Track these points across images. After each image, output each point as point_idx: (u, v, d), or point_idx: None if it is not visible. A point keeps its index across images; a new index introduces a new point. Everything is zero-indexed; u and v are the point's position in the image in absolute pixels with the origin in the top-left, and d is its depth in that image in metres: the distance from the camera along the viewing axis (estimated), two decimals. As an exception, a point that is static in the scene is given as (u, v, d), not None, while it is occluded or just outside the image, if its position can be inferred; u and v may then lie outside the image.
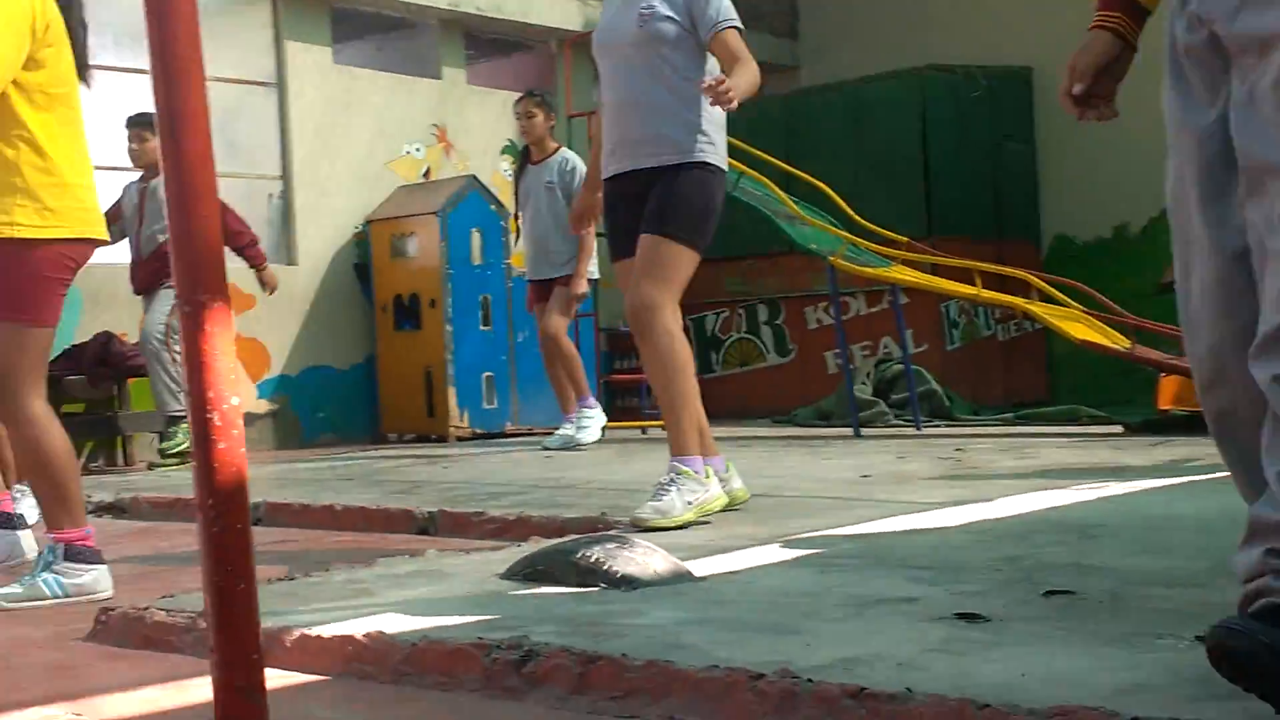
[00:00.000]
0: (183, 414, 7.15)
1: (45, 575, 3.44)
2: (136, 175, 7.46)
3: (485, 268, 9.04)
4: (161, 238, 7.03)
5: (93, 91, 3.72)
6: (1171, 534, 3.38)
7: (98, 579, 3.48)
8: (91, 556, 3.50)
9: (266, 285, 7.59)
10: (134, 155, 7.32)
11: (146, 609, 2.85)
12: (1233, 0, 1.81)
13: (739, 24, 4.12)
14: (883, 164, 9.93)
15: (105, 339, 7.77)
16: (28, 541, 4.17)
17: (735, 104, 3.86)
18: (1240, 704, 1.74)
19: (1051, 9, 9.98)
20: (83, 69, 3.63)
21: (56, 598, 3.41)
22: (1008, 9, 10.36)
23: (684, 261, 4.10)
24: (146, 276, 7.32)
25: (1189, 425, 6.30)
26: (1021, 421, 8.25)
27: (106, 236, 3.63)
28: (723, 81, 3.83)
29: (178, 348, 6.93)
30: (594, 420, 7.49)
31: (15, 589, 3.43)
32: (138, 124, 7.18)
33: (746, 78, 3.99)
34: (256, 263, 7.48)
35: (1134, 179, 9.04)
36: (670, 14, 4.08)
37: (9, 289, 3.40)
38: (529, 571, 3.08)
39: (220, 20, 8.63)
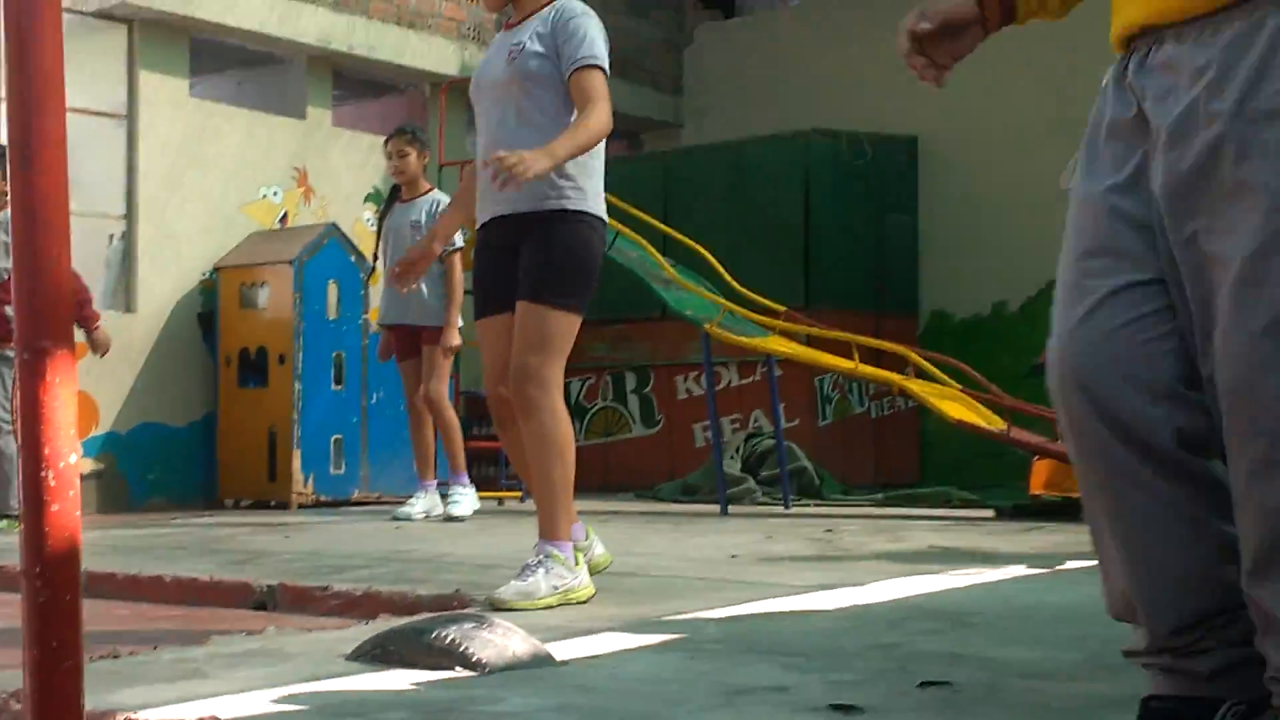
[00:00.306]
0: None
1: None
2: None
3: (341, 322, 8.94)
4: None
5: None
6: (1044, 624, 3.43)
7: None
8: None
9: (98, 347, 7.33)
10: None
11: (-45, 688, 2.76)
12: (1165, 80, 1.88)
13: (603, 64, 4.04)
14: (763, 229, 10.02)
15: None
16: None
17: (518, 181, 3.70)
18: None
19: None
20: None
21: None
22: (895, 76, 10.40)
23: (566, 328, 4.03)
24: None
25: (1061, 511, 6.45)
26: (892, 503, 8.35)
27: None
28: (504, 158, 3.67)
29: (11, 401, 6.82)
30: (467, 498, 7.37)
31: None
32: None
33: (573, 135, 3.90)
34: (89, 324, 7.24)
35: (1015, 257, 9.27)
36: (540, 49, 4.02)
37: None
38: (378, 652, 3.02)
39: (70, 44, 8.45)
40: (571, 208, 4.02)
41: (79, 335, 7.06)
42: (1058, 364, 1.99)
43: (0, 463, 6.93)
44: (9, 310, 6.45)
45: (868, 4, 11.17)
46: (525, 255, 4.04)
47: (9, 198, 1.89)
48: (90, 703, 2.31)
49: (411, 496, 7.53)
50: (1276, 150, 1.79)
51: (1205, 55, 1.85)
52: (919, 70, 2.20)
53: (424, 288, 7.23)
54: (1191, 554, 1.92)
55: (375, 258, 7.75)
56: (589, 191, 4.08)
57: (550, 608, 3.86)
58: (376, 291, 8.61)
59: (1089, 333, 1.95)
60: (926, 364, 8.24)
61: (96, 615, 4.25)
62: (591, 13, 4.12)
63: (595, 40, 4.04)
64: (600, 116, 3.97)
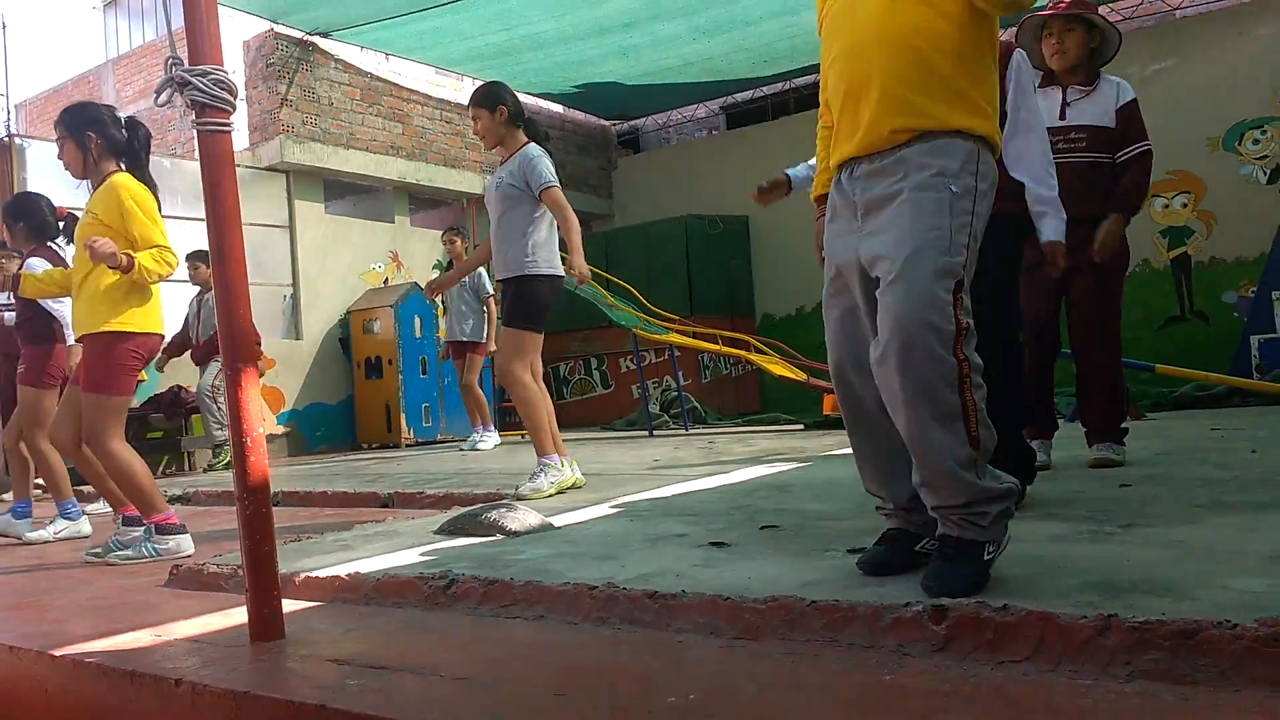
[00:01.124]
0: (225, 440, 6.86)
1: (147, 544, 3.26)
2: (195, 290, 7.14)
3: (423, 340, 8.83)
4: (210, 331, 6.83)
5: (170, 231, 3.56)
6: (833, 489, 3.44)
7: (180, 543, 3.30)
8: (174, 529, 3.31)
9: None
10: (192, 277, 6.96)
11: (204, 564, 2.71)
12: (869, 181, 1.89)
13: (556, 184, 3.99)
14: (663, 273, 10.02)
15: (175, 390, 7.40)
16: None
17: (587, 273, 4.05)
18: (869, 590, 1.80)
19: (760, 180, 10.30)
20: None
21: (154, 558, 3.23)
22: (733, 178, 10.60)
23: (527, 341, 3.98)
24: (201, 355, 7.00)
25: (839, 424, 6.48)
26: (745, 424, 8.38)
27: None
28: (576, 269, 4.02)
29: (222, 399, 6.70)
30: (490, 439, 7.32)
31: (128, 552, 3.24)
32: (194, 257, 6.84)
33: (576, 238, 4.01)
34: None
35: (805, 281, 9.35)
36: (513, 182, 4.00)
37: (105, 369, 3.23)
38: (452, 528, 3.01)
39: (252, 186, 8.32)
40: (533, 272, 3.99)
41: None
42: (831, 357, 2.01)
43: (217, 417, 6.88)
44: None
45: (714, 145, 11.20)
46: (507, 298, 4.04)
47: (213, 281, 1.84)
48: (284, 567, 2.29)
49: (469, 438, 7.47)
50: (926, 202, 1.81)
51: (886, 164, 1.86)
52: (759, 200, 2.39)
53: (469, 321, 7.18)
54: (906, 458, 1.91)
55: (442, 302, 7.67)
56: (542, 260, 4.01)
57: (551, 496, 3.85)
58: (441, 321, 8.56)
59: (836, 334, 1.98)
60: (760, 344, 8.27)
61: (286, 516, 4.26)
62: (543, 153, 4.06)
63: (546, 170, 3.99)
64: (573, 219, 4.00)
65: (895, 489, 1.97)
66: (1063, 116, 3.50)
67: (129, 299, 3.26)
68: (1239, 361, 7.94)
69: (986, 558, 1.78)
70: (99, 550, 3.30)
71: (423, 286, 8.98)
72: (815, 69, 2.17)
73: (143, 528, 3.33)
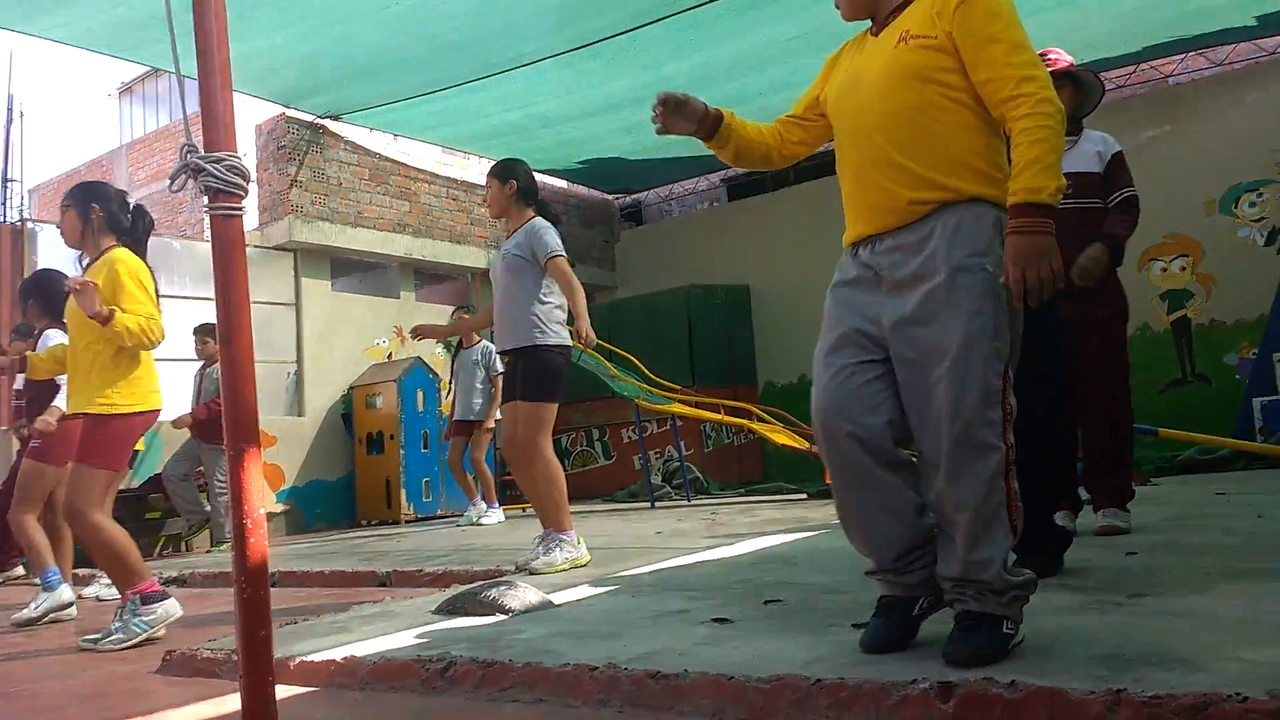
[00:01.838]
0: (205, 519, 6.82)
1: (133, 621, 3.20)
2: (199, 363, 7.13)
3: (425, 414, 8.80)
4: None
5: (175, 311, 3.60)
6: (837, 561, 3.40)
7: (167, 609, 3.24)
8: (158, 596, 3.25)
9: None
10: (199, 351, 6.99)
11: (198, 649, 2.66)
12: (896, 256, 1.89)
13: (562, 253, 4.01)
14: (665, 343, 10.02)
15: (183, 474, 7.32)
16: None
17: (593, 336, 4.00)
18: (875, 667, 1.76)
19: (762, 251, 10.41)
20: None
21: (145, 632, 3.17)
22: (735, 249, 10.70)
23: (546, 412, 3.95)
24: (203, 429, 6.91)
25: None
26: (748, 494, 8.29)
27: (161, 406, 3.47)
28: (582, 333, 3.98)
29: (219, 485, 6.64)
30: (494, 514, 7.29)
31: (118, 635, 3.18)
32: (201, 331, 6.89)
33: (581, 303, 3.99)
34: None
35: (807, 350, 9.33)
36: (520, 254, 4.02)
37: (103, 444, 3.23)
38: (450, 608, 2.95)
39: (260, 265, 8.43)
40: (543, 342, 3.98)
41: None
42: (819, 408, 1.97)
43: (222, 510, 6.73)
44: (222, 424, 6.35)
45: (715, 217, 11.36)
46: (518, 370, 4.00)
47: (219, 360, 1.86)
48: (279, 651, 2.25)
49: (465, 512, 7.42)
50: (968, 286, 1.81)
51: (913, 241, 1.86)
52: (656, 116, 2.09)
53: (478, 400, 7.19)
54: (900, 514, 1.91)
55: (449, 381, 7.65)
56: (552, 331, 4.02)
57: (563, 571, 3.79)
58: (444, 394, 8.59)
59: (830, 388, 1.94)
60: (763, 413, 8.25)
61: (283, 597, 4.19)
62: (549, 225, 4.09)
63: (553, 240, 4.03)
64: (578, 286, 4.02)
65: (882, 548, 1.93)
66: None
67: (128, 375, 3.27)
68: (1242, 424, 7.89)
69: (1005, 631, 1.77)
70: (95, 637, 3.24)
71: (426, 361, 9.06)
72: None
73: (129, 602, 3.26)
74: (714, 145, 2.16)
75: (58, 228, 3.46)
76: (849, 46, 2.07)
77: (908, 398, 1.86)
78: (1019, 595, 1.80)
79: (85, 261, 3.48)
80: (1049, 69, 3.45)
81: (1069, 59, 3.56)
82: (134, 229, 3.47)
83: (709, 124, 2.12)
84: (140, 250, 3.45)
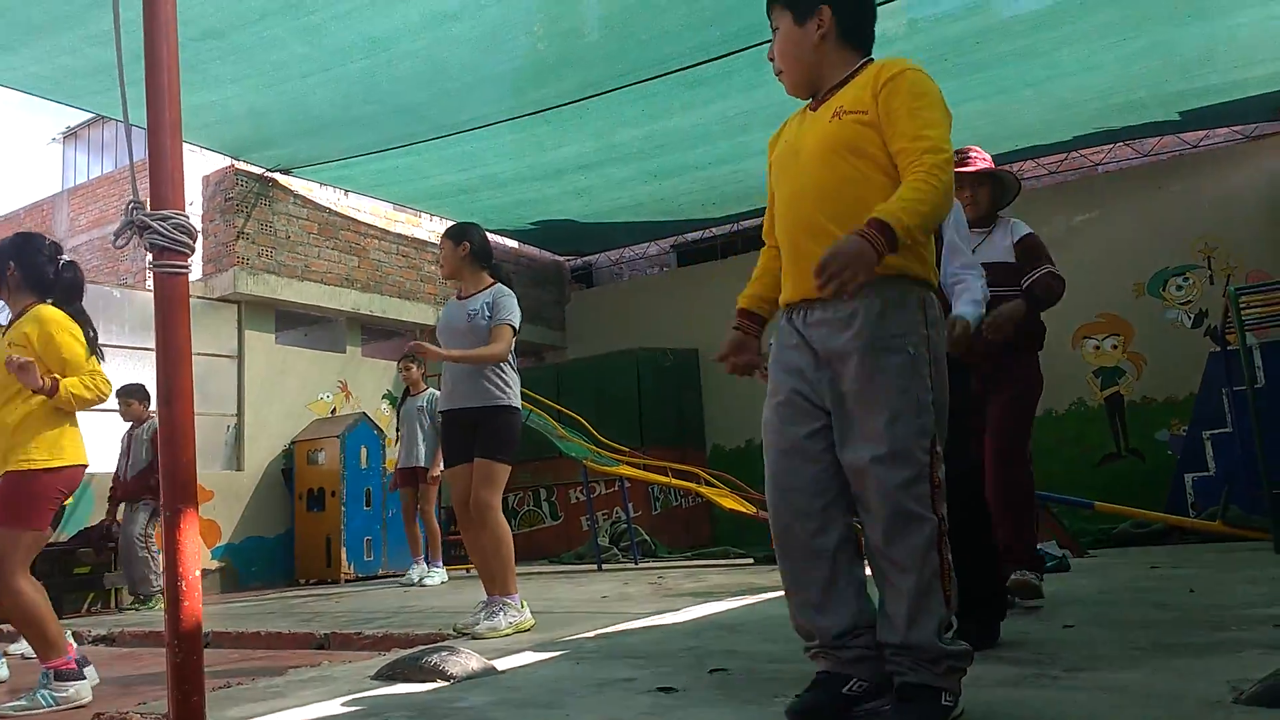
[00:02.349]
0: (155, 590, 6.55)
1: (42, 692, 3.07)
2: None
3: (369, 470, 8.67)
4: (139, 469, 6.58)
5: (114, 361, 3.52)
6: (783, 629, 3.35)
7: (79, 690, 3.12)
8: (73, 675, 3.12)
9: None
10: (123, 414, 6.73)
11: (127, 713, 2.56)
12: (823, 330, 1.94)
13: (514, 324, 4.03)
14: (614, 404, 10.02)
15: (105, 525, 7.08)
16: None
17: (431, 352, 3.84)
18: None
19: (710, 316, 10.55)
20: (95, 349, 3.43)
21: (50, 708, 3.04)
22: (684, 314, 10.81)
23: (503, 474, 3.95)
24: (127, 492, 6.67)
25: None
26: (696, 558, 8.27)
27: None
28: (421, 347, 3.85)
29: (154, 545, 6.41)
30: (438, 574, 7.18)
31: (22, 702, 3.04)
32: (124, 393, 6.64)
33: (476, 358, 3.92)
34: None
35: (755, 414, 9.40)
36: (482, 316, 4.04)
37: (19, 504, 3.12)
38: (390, 673, 2.89)
39: (203, 316, 8.29)
40: (503, 403, 4.00)
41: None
42: (769, 485, 2.01)
43: (151, 566, 6.49)
44: (153, 481, 6.16)
45: (665, 281, 11.51)
46: (479, 430, 3.98)
47: (158, 421, 1.83)
48: (212, 716, 2.17)
49: (414, 569, 7.29)
50: (892, 367, 1.86)
51: (841, 316, 1.93)
52: (739, 372, 2.21)
53: (421, 447, 7.13)
54: (842, 597, 1.93)
55: (397, 430, 7.56)
56: (511, 393, 4.04)
57: (507, 636, 3.73)
58: (390, 450, 8.47)
59: (785, 464, 1.98)
60: (710, 476, 8.28)
61: (216, 658, 4.06)
62: (512, 294, 4.14)
63: (512, 310, 4.07)
64: (493, 351, 3.96)
65: (823, 622, 1.94)
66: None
67: (50, 431, 3.17)
68: (1174, 498, 8.14)
69: (944, 703, 1.79)
70: (11, 704, 3.09)
71: (370, 417, 8.94)
72: (762, 211, 2.28)
73: (41, 673, 3.13)
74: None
75: None
76: (791, 120, 2.16)
77: (846, 466, 1.91)
78: (955, 666, 1.82)
79: (8, 318, 3.39)
80: (967, 169, 3.62)
81: (987, 158, 3.74)
82: (56, 282, 3.38)
83: (759, 327, 2.23)
84: (73, 304, 3.37)
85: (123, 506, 6.70)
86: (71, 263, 3.47)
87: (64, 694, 3.08)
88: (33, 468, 3.12)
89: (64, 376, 3.18)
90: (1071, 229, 8.67)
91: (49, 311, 3.27)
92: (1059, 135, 8.42)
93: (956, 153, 3.59)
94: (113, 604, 7.15)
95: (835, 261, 1.74)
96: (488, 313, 4.04)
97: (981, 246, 3.68)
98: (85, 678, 3.16)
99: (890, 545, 1.83)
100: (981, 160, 3.68)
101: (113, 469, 6.88)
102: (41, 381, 3.10)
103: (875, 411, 1.85)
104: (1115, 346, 8.70)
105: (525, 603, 3.98)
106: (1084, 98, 7.47)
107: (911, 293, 1.91)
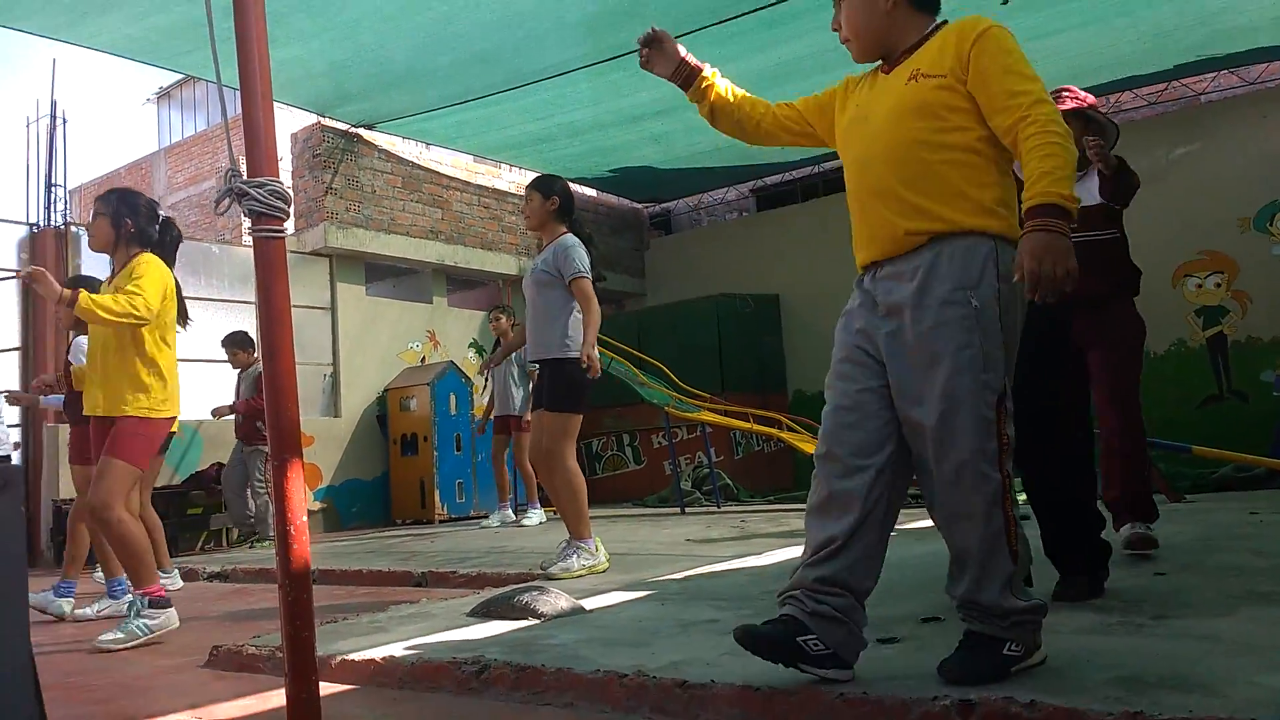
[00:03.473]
0: (254, 528, 6.92)
1: (137, 622, 3.29)
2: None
3: (458, 417, 8.93)
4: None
5: (214, 314, 3.71)
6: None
7: (169, 617, 3.35)
8: (164, 603, 3.36)
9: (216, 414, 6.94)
10: (231, 362, 7.03)
11: (243, 645, 2.76)
12: (889, 284, 1.94)
13: (587, 274, 4.09)
14: (695, 351, 10.05)
15: (217, 467, 7.52)
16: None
17: (596, 364, 3.94)
18: (898, 683, 1.78)
19: (790, 261, 10.41)
20: (183, 316, 3.64)
21: (145, 636, 3.26)
22: (764, 258, 10.73)
23: (570, 424, 4.04)
24: (242, 433, 6.97)
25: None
26: (778, 502, 8.29)
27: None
28: (583, 358, 3.92)
29: (260, 484, 6.76)
30: (536, 514, 7.35)
31: (118, 634, 3.26)
32: (229, 343, 6.95)
33: (593, 327, 4.01)
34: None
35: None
36: (547, 270, 4.11)
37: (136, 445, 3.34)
38: (485, 610, 3.03)
39: (297, 270, 8.59)
40: (568, 355, 4.07)
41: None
42: (821, 437, 1.99)
43: (264, 511, 6.86)
44: (259, 425, 6.44)
45: (744, 226, 11.39)
46: (545, 382, 4.12)
47: (262, 372, 1.94)
48: (321, 650, 2.33)
49: (500, 512, 7.51)
50: (954, 321, 1.83)
51: (906, 270, 1.90)
52: (641, 54, 2.28)
53: (517, 395, 7.29)
54: (868, 547, 1.89)
55: (484, 380, 7.76)
56: (576, 344, 4.07)
57: (581, 577, 3.86)
58: (479, 397, 8.70)
59: (842, 419, 1.97)
60: (792, 422, 8.26)
61: (322, 595, 4.23)
62: (578, 243, 4.17)
63: (579, 260, 4.09)
64: (595, 310, 4.06)
65: (823, 570, 1.88)
66: None
67: (149, 382, 3.37)
68: (1279, 442, 7.79)
69: (1006, 653, 1.80)
70: (111, 637, 3.30)
71: (458, 365, 9.19)
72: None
73: (129, 598, 3.34)
74: (692, 97, 2.32)
75: (88, 229, 3.53)
76: (860, 84, 2.13)
77: (905, 426, 1.88)
78: (1023, 620, 1.81)
79: (113, 266, 3.58)
80: (1061, 106, 3.46)
81: (1082, 98, 3.57)
82: (161, 241, 3.57)
83: (685, 72, 2.28)
84: (169, 260, 3.56)
85: (233, 446, 7.04)
86: (168, 220, 3.65)
87: (156, 620, 3.29)
88: (139, 414, 3.34)
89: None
90: (1172, 162, 8.23)
91: (150, 257, 3.45)
92: (1158, 64, 7.96)
93: (1050, 92, 3.45)
94: (224, 542, 7.61)
95: (1042, 268, 1.73)
96: (549, 269, 4.12)
97: (1076, 187, 3.55)
98: (172, 606, 3.39)
99: (953, 504, 1.82)
100: (1074, 100, 3.53)
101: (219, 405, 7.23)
102: (60, 292, 3.19)
103: (935, 366, 1.82)
104: (1218, 285, 8.30)
105: (601, 545, 4.10)
106: (1186, 23, 7.03)
107: (981, 246, 1.86)
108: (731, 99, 2.29)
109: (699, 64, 2.29)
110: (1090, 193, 3.54)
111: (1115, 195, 3.44)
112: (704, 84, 2.29)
